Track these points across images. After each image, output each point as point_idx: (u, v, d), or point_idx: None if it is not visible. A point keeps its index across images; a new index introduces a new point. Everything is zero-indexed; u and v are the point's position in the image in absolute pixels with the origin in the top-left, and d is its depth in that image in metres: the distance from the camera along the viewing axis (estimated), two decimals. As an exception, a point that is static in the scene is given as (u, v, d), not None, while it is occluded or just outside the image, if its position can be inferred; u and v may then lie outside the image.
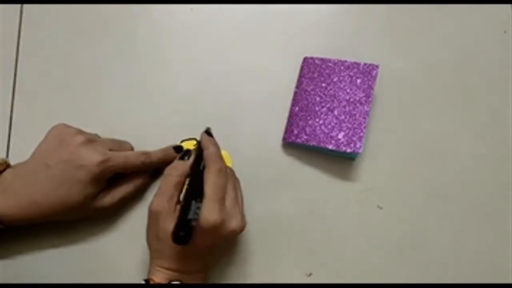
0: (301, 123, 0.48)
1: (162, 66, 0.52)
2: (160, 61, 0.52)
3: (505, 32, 0.53)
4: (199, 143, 0.43)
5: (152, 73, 0.52)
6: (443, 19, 0.54)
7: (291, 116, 0.50)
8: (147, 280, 0.40)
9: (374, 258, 0.47)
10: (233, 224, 0.39)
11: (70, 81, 0.51)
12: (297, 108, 0.49)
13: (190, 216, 0.37)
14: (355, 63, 0.49)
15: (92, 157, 0.41)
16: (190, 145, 0.48)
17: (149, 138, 0.49)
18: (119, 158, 0.43)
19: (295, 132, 0.48)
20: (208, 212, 0.38)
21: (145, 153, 0.45)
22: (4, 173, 0.42)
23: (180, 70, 0.52)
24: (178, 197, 0.41)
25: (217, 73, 0.52)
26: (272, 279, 0.46)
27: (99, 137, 0.47)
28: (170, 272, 0.40)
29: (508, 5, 0.54)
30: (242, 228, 0.40)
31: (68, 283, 0.46)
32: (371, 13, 0.54)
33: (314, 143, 0.47)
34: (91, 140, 0.43)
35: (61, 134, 0.43)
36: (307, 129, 0.48)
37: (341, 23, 0.54)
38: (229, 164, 0.48)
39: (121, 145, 0.47)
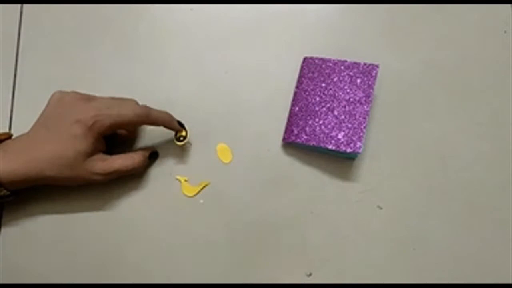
0: (301, 123, 0.48)
1: (162, 66, 0.52)
2: (160, 61, 0.52)
3: (505, 32, 0.53)
4: None
5: (151, 73, 0.52)
6: (443, 19, 0.54)
7: (291, 116, 0.50)
8: None
9: (374, 258, 0.47)
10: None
11: (70, 81, 0.51)
12: (297, 108, 0.49)
13: None
14: (355, 63, 0.49)
15: (86, 112, 0.42)
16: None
17: (149, 138, 0.50)
18: (112, 111, 0.43)
19: (295, 132, 0.48)
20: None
21: (145, 107, 0.45)
22: (7, 140, 0.44)
23: (180, 70, 0.52)
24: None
25: (217, 73, 0.52)
26: (272, 279, 0.46)
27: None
28: None
29: (508, 5, 0.54)
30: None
31: (68, 283, 0.46)
32: (371, 13, 0.54)
33: (314, 143, 0.47)
34: (89, 98, 0.44)
35: (60, 98, 0.44)
36: (307, 129, 0.48)
37: (341, 23, 0.54)
38: (228, 158, 0.48)
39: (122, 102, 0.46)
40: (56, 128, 0.43)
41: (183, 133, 0.48)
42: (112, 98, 0.46)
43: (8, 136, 0.45)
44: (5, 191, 0.42)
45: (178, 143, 0.48)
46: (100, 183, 0.45)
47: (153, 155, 0.48)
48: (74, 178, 0.43)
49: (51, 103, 0.44)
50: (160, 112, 0.46)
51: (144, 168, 0.48)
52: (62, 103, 0.44)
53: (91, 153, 0.43)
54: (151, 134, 0.50)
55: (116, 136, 0.48)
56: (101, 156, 0.44)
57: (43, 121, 0.44)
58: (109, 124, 0.43)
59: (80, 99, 0.44)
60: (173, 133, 0.48)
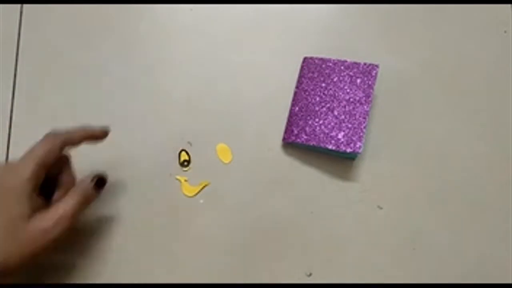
0: (301, 123, 0.48)
1: (162, 66, 0.52)
2: (160, 61, 0.52)
3: (505, 32, 0.53)
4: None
5: (152, 73, 0.52)
6: (443, 19, 0.54)
7: (291, 116, 0.50)
8: None
9: (374, 258, 0.47)
10: None
11: (70, 81, 0.51)
12: (297, 108, 0.49)
13: None
14: (355, 63, 0.49)
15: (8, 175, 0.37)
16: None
17: (149, 138, 0.50)
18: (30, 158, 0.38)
19: (295, 132, 0.48)
20: None
21: (59, 138, 0.39)
22: None
23: (180, 70, 0.52)
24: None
25: (217, 73, 0.52)
26: (272, 279, 0.46)
27: None
28: None
29: (508, 5, 0.54)
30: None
31: (68, 283, 0.46)
32: (371, 13, 0.54)
33: (314, 143, 0.47)
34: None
35: None
36: (307, 129, 0.48)
37: (341, 23, 0.54)
38: (228, 158, 0.48)
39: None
40: None
41: (187, 157, 0.48)
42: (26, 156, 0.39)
43: None
44: None
45: (183, 168, 0.49)
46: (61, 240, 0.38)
47: (99, 183, 0.42)
48: (28, 253, 0.36)
49: None
50: (73, 132, 0.41)
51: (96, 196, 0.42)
52: None
53: (30, 214, 0.37)
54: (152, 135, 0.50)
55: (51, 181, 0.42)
56: (41, 211, 0.38)
57: None
58: (37, 167, 0.37)
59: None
60: (173, 133, 0.48)
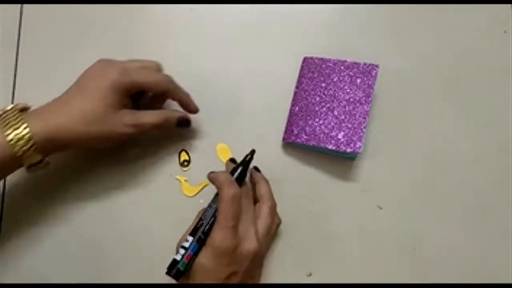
0: (301, 123, 0.48)
1: (162, 66, 0.52)
2: (160, 61, 0.52)
3: (505, 32, 0.53)
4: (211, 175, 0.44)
5: (152, 73, 0.52)
6: (443, 19, 0.54)
7: (291, 116, 0.50)
8: None
9: (374, 258, 0.47)
10: (246, 246, 0.41)
11: (70, 81, 0.51)
12: (297, 108, 0.49)
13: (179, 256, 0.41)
14: (355, 63, 0.49)
15: (113, 68, 0.43)
16: None
17: (149, 138, 0.50)
18: (138, 71, 0.44)
19: (295, 132, 0.48)
20: (220, 239, 0.39)
21: (172, 83, 0.46)
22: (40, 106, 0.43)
23: (179, 70, 0.52)
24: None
25: (217, 73, 0.52)
26: (272, 279, 0.46)
27: None
28: None
29: (508, 5, 0.54)
30: (255, 249, 0.41)
31: (68, 283, 0.46)
32: (371, 13, 0.54)
33: (314, 143, 0.47)
34: (121, 61, 0.45)
35: (95, 64, 0.45)
36: (307, 129, 0.48)
37: (341, 23, 0.54)
38: (227, 157, 0.48)
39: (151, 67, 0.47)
40: (86, 86, 0.43)
41: (187, 157, 0.48)
42: (143, 67, 0.46)
43: (28, 107, 0.44)
44: (38, 155, 0.41)
45: (183, 168, 0.49)
46: (132, 137, 0.44)
47: (182, 122, 0.48)
48: (105, 134, 0.43)
49: (87, 70, 0.45)
50: (182, 90, 0.47)
51: (170, 129, 0.47)
52: (94, 67, 0.45)
53: (119, 106, 0.43)
54: (153, 134, 0.50)
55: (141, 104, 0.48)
56: (129, 110, 0.44)
57: (74, 84, 0.44)
58: (132, 80, 0.43)
59: (110, 61, 0.45)
60: (173, 133, 0.48)
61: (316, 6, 0.54)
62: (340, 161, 0.49)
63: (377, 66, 0.48)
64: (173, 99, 0.47)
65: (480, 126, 0.51)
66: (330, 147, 0.46)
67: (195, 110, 0.48)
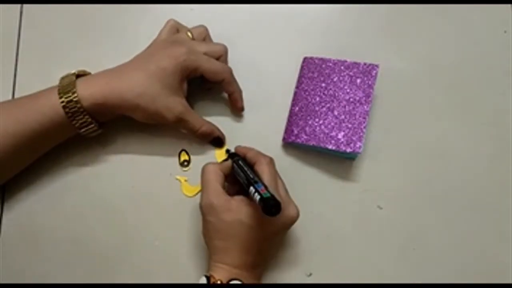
0: (301, 123, 0.48)
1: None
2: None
3: (505, 32, 0.53)
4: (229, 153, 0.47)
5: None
6: (443, 19, 0.54)
7: (291, 116, 0.50)
8: (207, 277, 0.40)
9: (374, 258, 0.47)
10: (291, 211, 0.42)
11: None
12: (297, 108, 0.49)
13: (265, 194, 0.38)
14: (355, 63, 0.49)
15: (179, 50, 0.44)
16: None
17: (150, 138, 0.50)
18: (204, 57, 0.45)
19: (295, 132, 0.48)
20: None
21: (231, 75, 0.47)
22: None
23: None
24: (224, 192, 0.42)
25: (217, 73, 0.52)
26: (272, 279, 0.46)
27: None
28: (230, 269, 0.40)
29: (508, 5, 0.54)
30: (298, 214, 0.42)
31: (68, 283, 0.46)
32: (370, 13, 0.54)
33: (314, 143, 0.47)
34: (186, 41, 0.46)
35: (162, 38, 0.47)
36: (307, 129, 0.48)
37: (341, 23, 0.54)
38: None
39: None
40: (146, 60, 0.44)
41: (187, 157, 0.49)
42: (205, 44, 0.47)
43: (88, 73, 0.46)
44: (88, 117, 0.43)
45: (183, 168, 0.49)
46: (169, 126, 0.45)
47: (216, 141, 0.48)
48: (151, 111, 0.43)
49: (155, 41, 0.46)
50: (237, 85, 0.49)
51: (204, 140, 0.48)
52: (164, 42, 0.46)
53: (175, 90, 0.44)
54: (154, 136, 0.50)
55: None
56: (183, 101, 0.45)
57: (137, 56, 0.46)
58: (197, 66, 0.44)
59: (178, 40, 0.45)
60: (174, 133, 0.48)
61: (316, 6, 0.54)
62: (340, 161, 0.49)
63: (377, 66, 0.48)
64: (226, 91, 0.48)
65: (480, 126, 0.51)
66: (330, 147, 0.46)
67: (241, 108, 0.50)
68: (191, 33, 0.47)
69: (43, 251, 0.47)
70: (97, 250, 0.47)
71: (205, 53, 0.46)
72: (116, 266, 0.47)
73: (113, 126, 0.48)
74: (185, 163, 0.49)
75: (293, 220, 0.42)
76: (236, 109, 0.50)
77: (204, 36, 0.48)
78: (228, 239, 0.40)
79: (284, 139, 0.49)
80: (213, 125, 0.48)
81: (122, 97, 0.43)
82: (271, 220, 0.39)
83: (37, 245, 0.47)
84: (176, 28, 0.48)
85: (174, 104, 0.44)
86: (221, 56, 0.47)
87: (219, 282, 0.39)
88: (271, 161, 0.44)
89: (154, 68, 0.43)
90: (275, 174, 0.43)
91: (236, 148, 0.48)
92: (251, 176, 0.41)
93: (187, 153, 0.49)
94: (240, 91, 0.49)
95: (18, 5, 0.53)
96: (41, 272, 0.46)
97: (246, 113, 0.51)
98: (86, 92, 0.42)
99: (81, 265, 0.46)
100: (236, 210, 0.40)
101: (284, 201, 0.41)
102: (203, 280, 0.39)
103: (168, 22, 0.48)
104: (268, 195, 0.37)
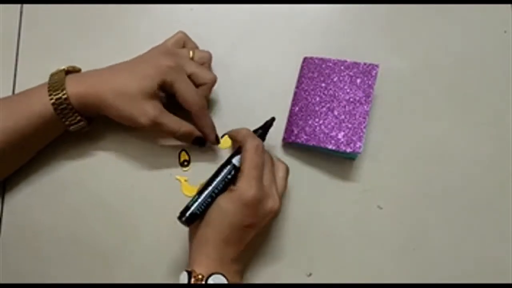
0: (301, 123, 0.48)
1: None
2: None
3: (505, 32, 0.53)
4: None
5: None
6: (443, 19, 0.54)
7: (291, 116, 0.50)
8: (189, 272, 0.39)
9: (374, 258, 0.47)
10: (270, 203, 0.41)
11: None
12: (297, 108, 0.49)
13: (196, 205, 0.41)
14: (355, 63, 0.49)
15: (166, 61, 0.44)
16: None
17: (149, 138, 0.50)
18: (185, 85, 0.45)
19: (295, 132, 0.48)
20: (246, 188, 0.39)
21: (203, 110, 0.46)
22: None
23: (180, 70, 0.52)
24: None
25: (217, 73, 0.52)
26: (272, 279, 0.46)
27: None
28: (210, 262, 0.40)
29: (508, 5, 0.54)
30: (278, 208, 0.42)
31: (68, 283, 0.46)
32: (371, 13, 0.54)
33: (314, 143, 0.47)
34: (177, 53, 0.46)
35: (156, 47, 0.47)
36: (307, 129, 0.48)
37: (341, 23, 0.54)
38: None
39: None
40: (136, 64, 0.45)
41: (187, 157, 0.49)
42: (197, 67, 0.47)
43: (78, 70, 0.47)
44: (76, 116, 0.44)
45: (183, 168, 0.49)
46: (144, 129, 0.45)
47: (198, 140, 0.47)
48: (127, 113, 0.44)
49: (153, 48, 0.47)
50: (208, 120, 0.47)
51: (185, 142, 0.47)
52: (157, 49, 0.47)
53: (151, 96, 0.44)
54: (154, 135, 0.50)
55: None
56: (159, 105, 0.45)
57: (133, 58, 0.46)
58: (174, 86, 0.44)
59: (171, 52, 0.46)
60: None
61: (316, 6, 0.54)
62: (340, 161, 0.49)
63: (377, 66, 0.48)
64: (195, 123, 0.47)
65: (480, 126, 0.51)
66: (330, 147, 0.46)
67: (213, 142, 0.48)
68: (193, 52, 0.47)
69: (43, 251, 0.47)
70: (96, 249, 0.47)
71: (191, 74, 0.45)
72: (116, 265, 0.47)
73: (113, 126, 0.48)
74: (185, 163, 0.49)
75: (272, 212, 0.41)
76: (207, 140, 0.48)
77: (204, 61, 0.48)
78: (207, 226, 0.41)
79: (284, 139, 0.49)
80: (192, 126, 0.46)
81: (104, 101, 0.43)
82: (249, 207, 0.39)
83: (37, 245, 0.47)
84: (183, 41, 0.49)
85: (148, 108, 0.44)
86: (205, 83, 0.46)
87: (200, 276, 0.39)
88: (257, 147, 0.42)
89: (139, 72, 0.44)
90: (260, 162, 0.41)
91: (228, 133, 0.47)
92: (210, 179, 0.42)
93: (187, 153, 0.49)
94: (211, 127, 0.47)
95: (18, 5, 0.53)
96: (41, 272, 0.46)
97: (246, 113, 0.51)
98: (74, 90, 0.43)
99: (81, 265, 0.46)
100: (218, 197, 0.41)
101: (264, 193, 0.41)
102: (184, 276, 0.39)
103: (177, 33, 0.49)
104: (193, 206, 0.41)
